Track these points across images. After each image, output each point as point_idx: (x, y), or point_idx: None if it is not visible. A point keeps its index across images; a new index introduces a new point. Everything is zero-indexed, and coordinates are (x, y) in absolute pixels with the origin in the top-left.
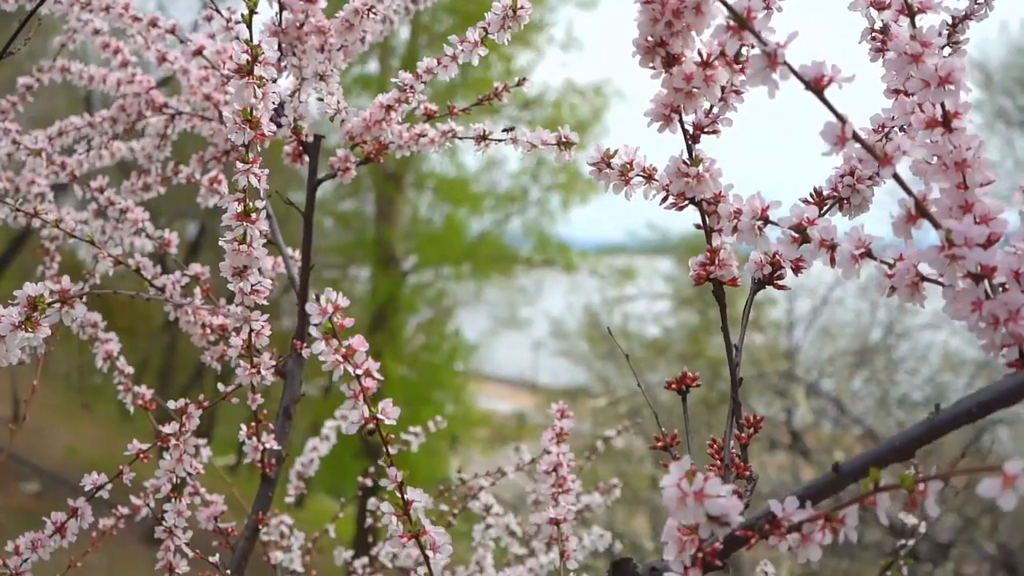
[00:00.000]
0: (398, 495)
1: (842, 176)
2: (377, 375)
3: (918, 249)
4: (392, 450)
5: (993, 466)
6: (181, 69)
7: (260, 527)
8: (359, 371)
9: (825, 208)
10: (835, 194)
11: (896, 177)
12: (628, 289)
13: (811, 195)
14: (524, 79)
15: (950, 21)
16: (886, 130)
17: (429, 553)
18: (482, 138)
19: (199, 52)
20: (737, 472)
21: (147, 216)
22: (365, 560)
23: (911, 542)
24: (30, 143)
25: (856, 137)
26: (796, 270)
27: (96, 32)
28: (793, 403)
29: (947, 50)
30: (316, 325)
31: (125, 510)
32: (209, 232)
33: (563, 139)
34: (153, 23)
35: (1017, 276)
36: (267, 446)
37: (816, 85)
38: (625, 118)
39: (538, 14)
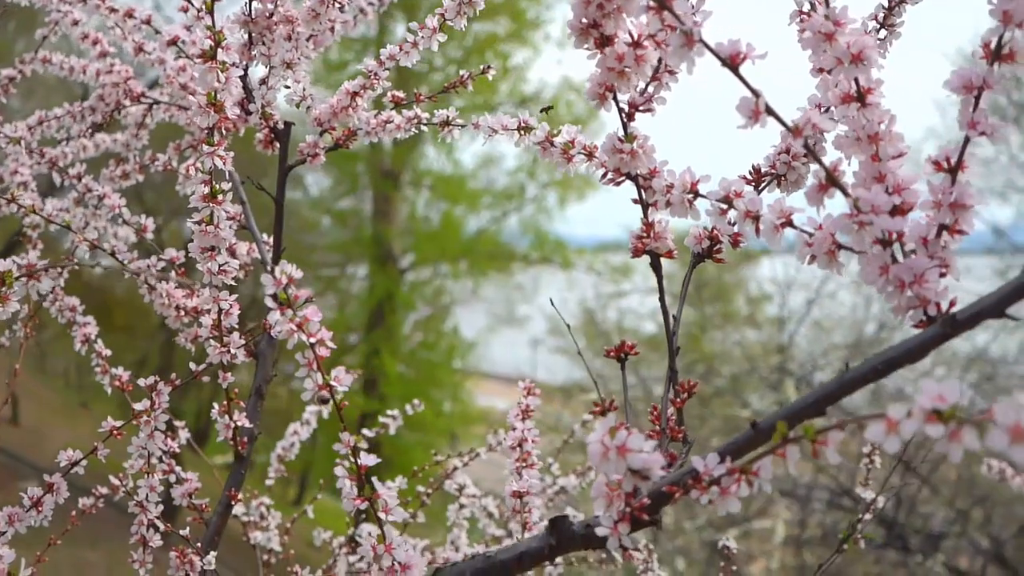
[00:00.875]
0: (351, 460)
1: (779, 154)
2: (330, 344)
3: (833, 217)
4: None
5: (879, 413)
6: (158, 59)
7: (233, 503)
8: (313, 340)
9: (763, 184)
10: (772, 171)
11: (807, 148)
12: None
13: (749, 172)
14: (489, 67)
15: (886, 4)
16: (822, 109)
17: (381, 515)
18: (445, 124)
19: (173, 42)
20: (672, 436)
21: (124, 202)
22: (342, 539)
23: (867, 516)
24: (10, 132)
25: (769, 111)
26: (735, 244)
27: (75, 23)
28: (785, 397)
29: (883, 32)
30: (272, 296)
31: (104, 489)
32: None
33: (522, 124)
34: (129, 14)
35: (926, 242)
36: (239, 424)
37: (732, 62)
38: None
39: (535, 12)
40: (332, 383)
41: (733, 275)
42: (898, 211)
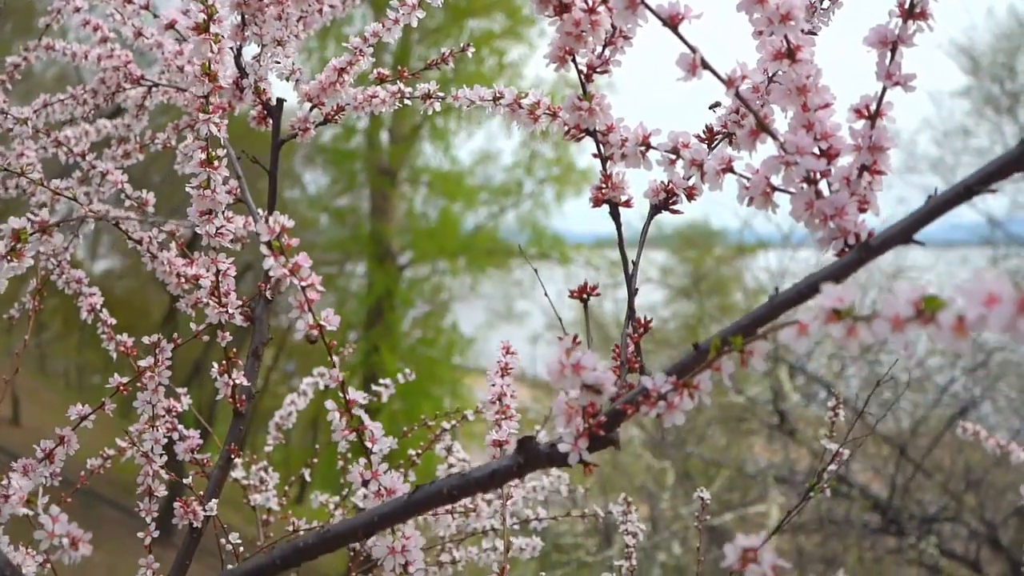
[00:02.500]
0: (340, 395)
1: (729, 113)
2: (320, 287)
3: (764, 160)
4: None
5: (792, 321)
6: (156, 43)
7: (233, 457)
8: (304, 284)
9: (716, 142)
10: (724, 129)
11: (739, 97)
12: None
13: (703, 131)
14: (468, 45)
15: None
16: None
17: (368, 444)
18: (427, 96)
19: (171, 26)
20: (631, 367)
21: (126, 178)
22: (337, 499)
23: (832, 466)
24: (17, 113)
25: (705, 64)
26: (689, 197)
27: (77, 10)
28: (777, 383)
29: (826, 2)
30: (265, 243)
31: (111, 451)
32: None
33: (496, 95)
34: (128, 0)
35: (848, 182)
36: (237, 382)
37: (672, 22)
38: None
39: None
40: (322, 323)
41: (730, 268)
42: (826, 154)
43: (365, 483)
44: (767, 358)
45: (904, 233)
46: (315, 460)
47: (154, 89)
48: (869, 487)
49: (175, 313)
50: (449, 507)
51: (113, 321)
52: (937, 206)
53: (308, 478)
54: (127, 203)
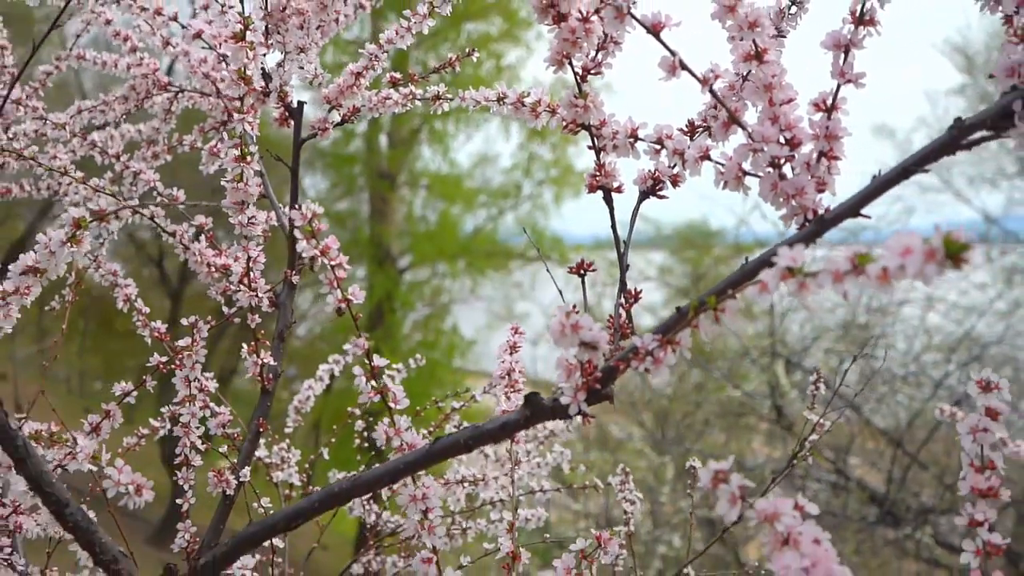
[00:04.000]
0: (367, 361)
1: (708, 109)
2: (346, 266)
3: (736, 148)
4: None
5: (756, 280)
6: (182, 51)
7: (261, 430)
8: (333, 263)
9: (697, 134)
10: (704, 123)
11: (712, 94)
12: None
13: (686, 125)
14: (473, 49)
15: None
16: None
17: (391, 404)
18: (437, 97)
19: (198, 35)
20: (623, 332)
21: (157, 177)
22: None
23: (813, 437)
24: (55, 119)
25: (683, 66)
26: (674, 183)
27: (108, 22)
28: (774, 378)
29: (794, 8)
30: (298, 227)
31: (145, 430)
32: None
33: (500, 95)
34: (158, 12)
35: (808, 166)
36: (265, 362)
37: (655, 29)
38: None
39: (527, 11)
40: (349, 297)
41: (729, 268)
42: (789, 143)
43: (389, 440)
44: (764, 353)
45: (853, 208)
46: (333, 440)
47: (180, 94)
48: (866, 481)
49: (176, 319)
50: (461, 478)
51: (147, 310)
52: (880, 184)
53: (326, 455)
54: (158, 199)
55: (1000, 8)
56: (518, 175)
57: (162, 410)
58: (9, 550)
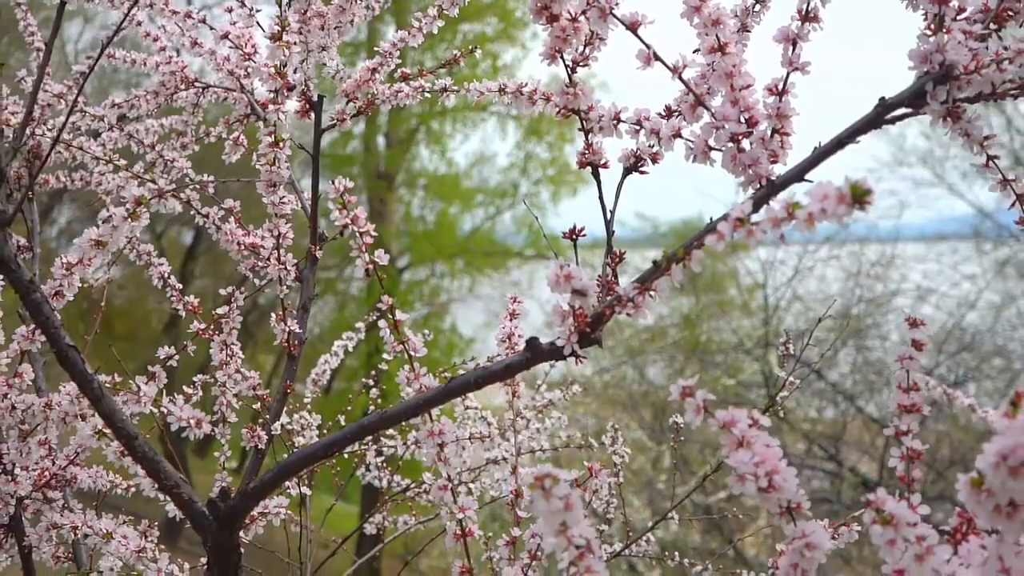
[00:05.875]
0: (390, 316)
1: (682, 94)
2: (373, 233)
3: (703, 126)
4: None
5: (713, 231)
6: (209, 51)
7: (288, 391)
8: (361, 230)
9: (674, 117)
10: (679, 108)
11: (681, 80)
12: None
13: (664, 109)
14: (475, 47)
15: None
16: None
17: (412, 352)
18: (443, 90)
19: (225, 36)
20: (609, 287)
21: (189, 165)
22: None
23: (784, 394)
24: (94, 112)
25: (656, 57)
26: (653, 160)
27: (139, 24)
28: (768, 367)
29: (758, 7)
30: (332, 199)
31: (190, 390)
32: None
33: (501, 87)
34: (188, 15)
35: (763, 141)
36: (291, 329)
37: (633, 27)
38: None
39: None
40: (375, 260)
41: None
42: (748, 122)
43: (409, 383)
44: (758, 344)
45: (797, 175)
46: (348, 408)
47: (206, 90)
48: (858, 468)
49: (176, 322)
50: (469, 435)
51: (180, 286)
52: (819, 155)
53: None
54: (190, 186)
55: (919, 7)
56: (515, 174)
57: (195, 378)
58: (61, 502)
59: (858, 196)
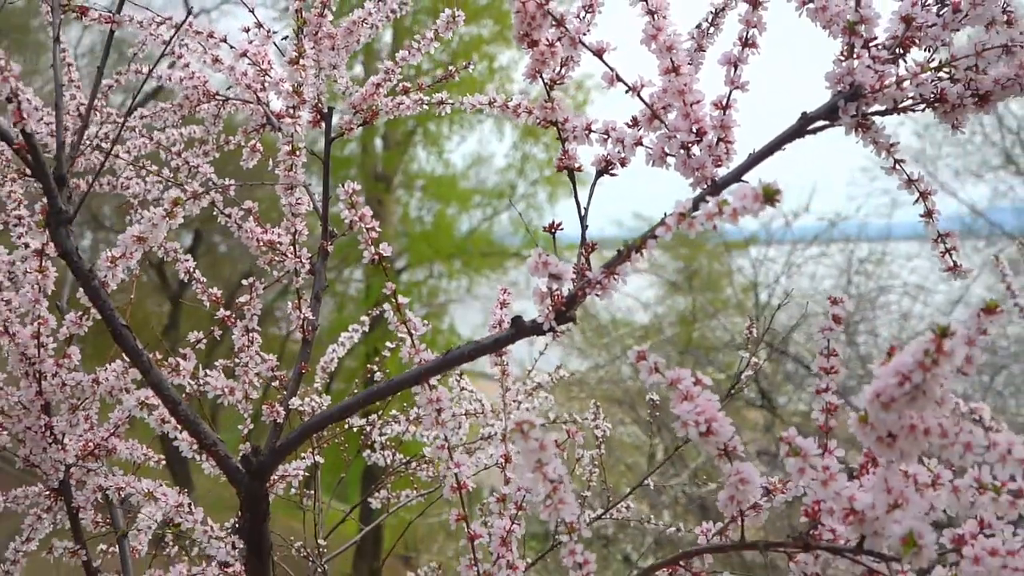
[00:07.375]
0: (394, 300)
1: (644, 109)
2: (377, 229)
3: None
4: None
5: (664, 223)
6: (228, 67)
7: (303, 371)
8: (368, 226)
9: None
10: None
11: (640, 97)
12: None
13: (631, 119)
14: (470, 62)
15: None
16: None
17: (413, 331)
18: (441, 103)
19: (244, 54)
20: (582, 272)
21: (212, 170)
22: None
23: (747, 373)
24: (128, 123)
25: (618, 78)
26: (622, 164)
27: (165, 43)
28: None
29: (712, 29)
30: (342, 199)
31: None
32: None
33: (492, 99)
34: (210, 35)
35: (711, 148)
36: (306, 316)
37: (598, 53)
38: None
39: None
40: (380, 252)
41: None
42: (697, 132)
43: (411, 357)
44: (748, 340)
45: (735, 177)
46: (357, 381)
47: (226, 102)
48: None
49: (176, 322)
50: (464, 411)
51: (204, 279)
52: (753, 160)
53: None
54: (214, 189)
55: (837, 37)
56: (512, 175)
57: (216, 363)
58: (104, 470)
59: (769, 195)
